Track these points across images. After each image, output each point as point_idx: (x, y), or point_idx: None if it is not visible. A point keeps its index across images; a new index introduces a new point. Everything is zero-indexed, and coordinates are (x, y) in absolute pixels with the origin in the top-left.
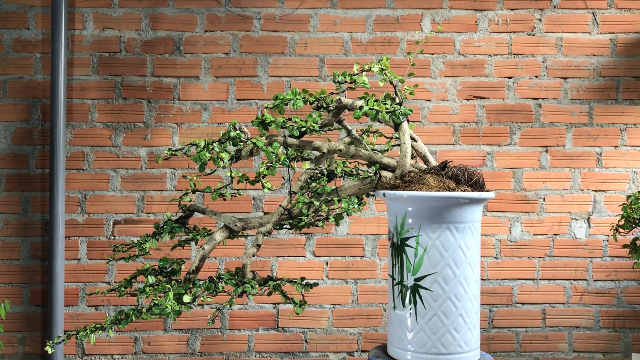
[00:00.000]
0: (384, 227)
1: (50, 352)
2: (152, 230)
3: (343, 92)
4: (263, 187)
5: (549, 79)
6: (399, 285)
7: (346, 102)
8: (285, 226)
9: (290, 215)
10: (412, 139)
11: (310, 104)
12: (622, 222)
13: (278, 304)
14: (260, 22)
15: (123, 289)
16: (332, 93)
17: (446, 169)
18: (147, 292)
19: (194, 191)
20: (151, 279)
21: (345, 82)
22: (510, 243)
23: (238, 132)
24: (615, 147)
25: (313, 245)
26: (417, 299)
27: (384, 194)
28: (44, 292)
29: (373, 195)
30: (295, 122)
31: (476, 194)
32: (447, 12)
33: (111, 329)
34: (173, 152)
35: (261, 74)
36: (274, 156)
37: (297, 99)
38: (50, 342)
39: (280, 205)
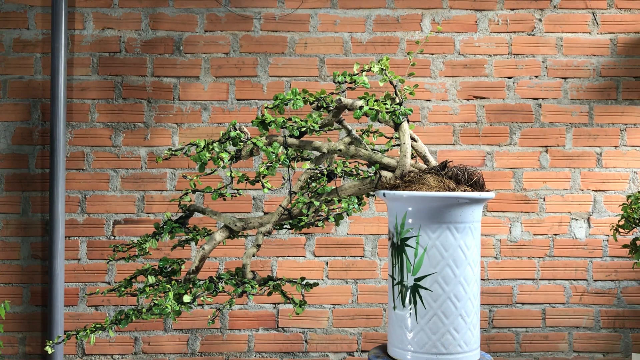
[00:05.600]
0: (384, 227)
1: (50, 352)
2: (152, 230)
3: (343, 92)
4: (263, 187)
5: (549, 79)
6: (399, 285)
7: (346, 102)
8: (285, 226)
9: (290, 215)
10: (412, 139)
11: (310, 104)
12: (622, 222)
13: (278, 304)
14: (260, 22)
15: (123, 289)
16: (332, 93)
17: (446, 169)
18: (147, 292)
19: (194, 191)
20: (151, 279)
21: (345, 82)
22: (510, 243)
23: (238, 132)
24: (615, 147)
25: (313, 245)
26: (417, 299)
27: (384, 194)
28: (44, 292)
29: (373, 195)
30: (295, 122)
31: (476, 194)
32: (447, 12)
33: (111, 329)
34: (173, 152)
35: (261, 74)
36: (274, 156)
37: (297, 99)
38: (50, 342)
39: (280, 205)
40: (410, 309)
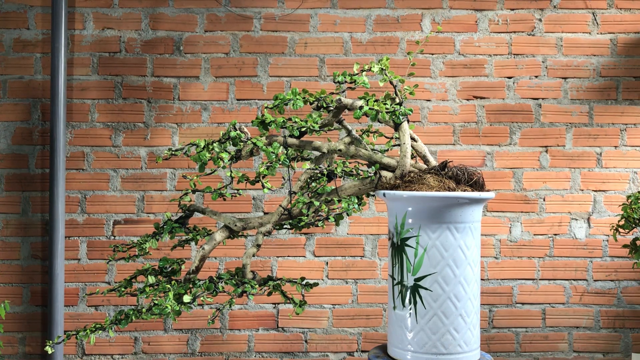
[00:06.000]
0: (384, 227)
1: (50, 352)
2: (152, 230)
3: (343, 92)
4: (263, 187)
5: (549, 79)
6: (399, 285)
7: (346, 102)
8: (285, 226)
9: (290, 215)
10: (412, 139)
11: (310, 104)
12: (622, 222)
13: (278, 304)
14: (260, 22)
15: (123, 289)
16: (332, 93)
17: (446, 169)
18: (147, 292)
19: (194, 191)
20: (151, 279)
21: (345, 82)
22: (510, 243)
23: (238, 132)
24: (615, 147)
25: (313, 245)
26: (417, 299)
27: (384, 194)
28: (44, 292)
29: (373, 195)
30: (295, 122)
31: (476, 194)
32: (447, 12)
33: (111, 329)
34: (173, 152)
35: (261, 74)
36: (274, 156)
37: (297, 99)
38: (50, 342)
39: (280, 205)
40: (410, 309)
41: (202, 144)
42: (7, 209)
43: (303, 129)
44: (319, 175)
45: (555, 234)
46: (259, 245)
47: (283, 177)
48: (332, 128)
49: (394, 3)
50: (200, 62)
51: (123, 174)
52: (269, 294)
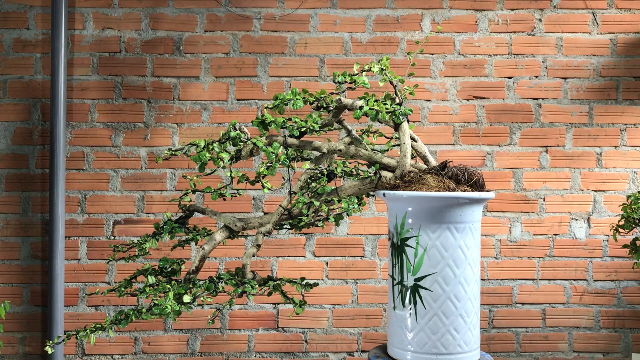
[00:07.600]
0: (384, 227)
1: (50, 352)
2: (152, 230)
3: (343, 92)
4: (263, 187)
5: (549, 79)
6: (399, 286)
7: (346, 102)
8: (285, 226)
9: (290, 215)
10: (412, 139)
11: (310, 104)
12: (622, 222)
13: (278, 304)
14: (260, 22)
15: (123, 289)
16: (332, 93)
17: (446, 169)
18: (147, 292)
19: (194, 191)
20: (151, 279)
21: (345, 82)
22: (510, 243)
23: (238, 132)
24: (615, 147)
25: (313, 245)
26: (417, 299)
27: (384, 194)
28: (44, 292)
29: (373, 195)
30: (295, 122)
31: (476, 194)
32: (447, 12)
33: (111, 329)
34: (173, 152)
35: (261, 74)
36: (274, 156)
37: (297, 99)
38: (50, 342)
39: (280, 205)
40: (410, 309)
41: (202, 144)
42: (7, 209)
43: (303, 129)
44: (319, 175)
45: (555, 234)
46: (259, 245)
47: (283, 177)
48: (332, 128)
49: (394, 3)
50: (200, 62)
51: (123, 174)
52: (269, 294)
